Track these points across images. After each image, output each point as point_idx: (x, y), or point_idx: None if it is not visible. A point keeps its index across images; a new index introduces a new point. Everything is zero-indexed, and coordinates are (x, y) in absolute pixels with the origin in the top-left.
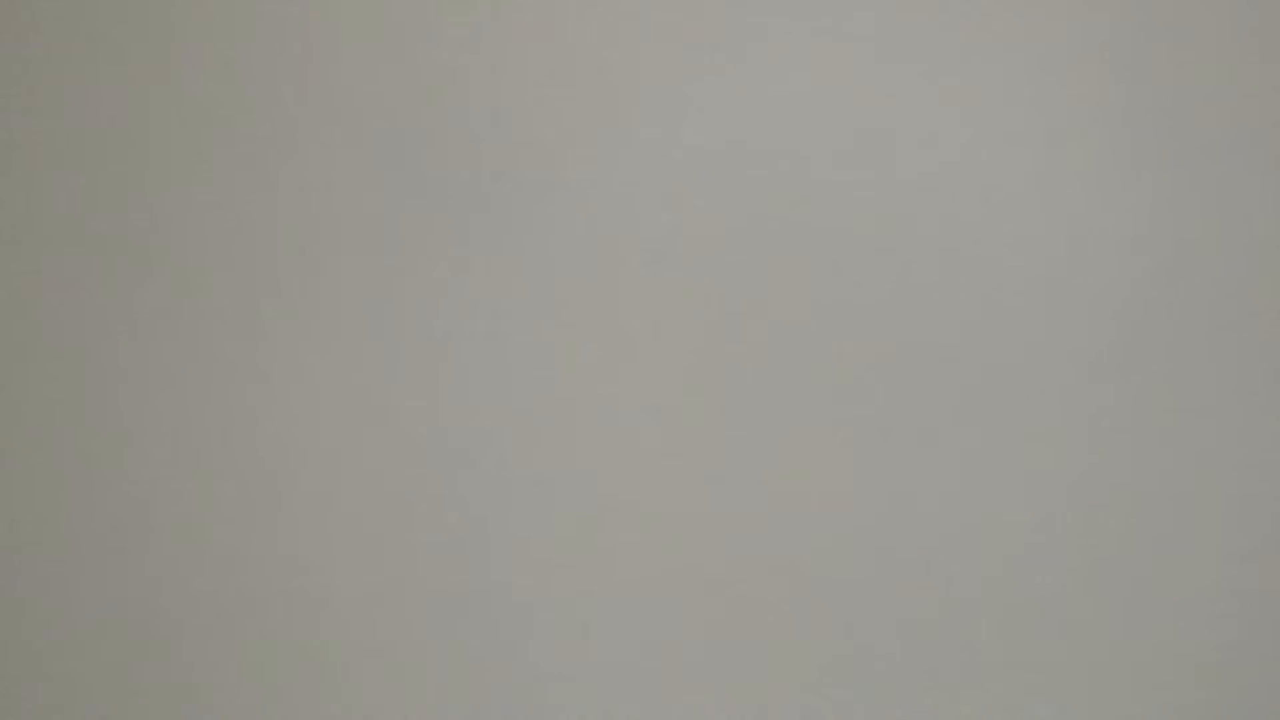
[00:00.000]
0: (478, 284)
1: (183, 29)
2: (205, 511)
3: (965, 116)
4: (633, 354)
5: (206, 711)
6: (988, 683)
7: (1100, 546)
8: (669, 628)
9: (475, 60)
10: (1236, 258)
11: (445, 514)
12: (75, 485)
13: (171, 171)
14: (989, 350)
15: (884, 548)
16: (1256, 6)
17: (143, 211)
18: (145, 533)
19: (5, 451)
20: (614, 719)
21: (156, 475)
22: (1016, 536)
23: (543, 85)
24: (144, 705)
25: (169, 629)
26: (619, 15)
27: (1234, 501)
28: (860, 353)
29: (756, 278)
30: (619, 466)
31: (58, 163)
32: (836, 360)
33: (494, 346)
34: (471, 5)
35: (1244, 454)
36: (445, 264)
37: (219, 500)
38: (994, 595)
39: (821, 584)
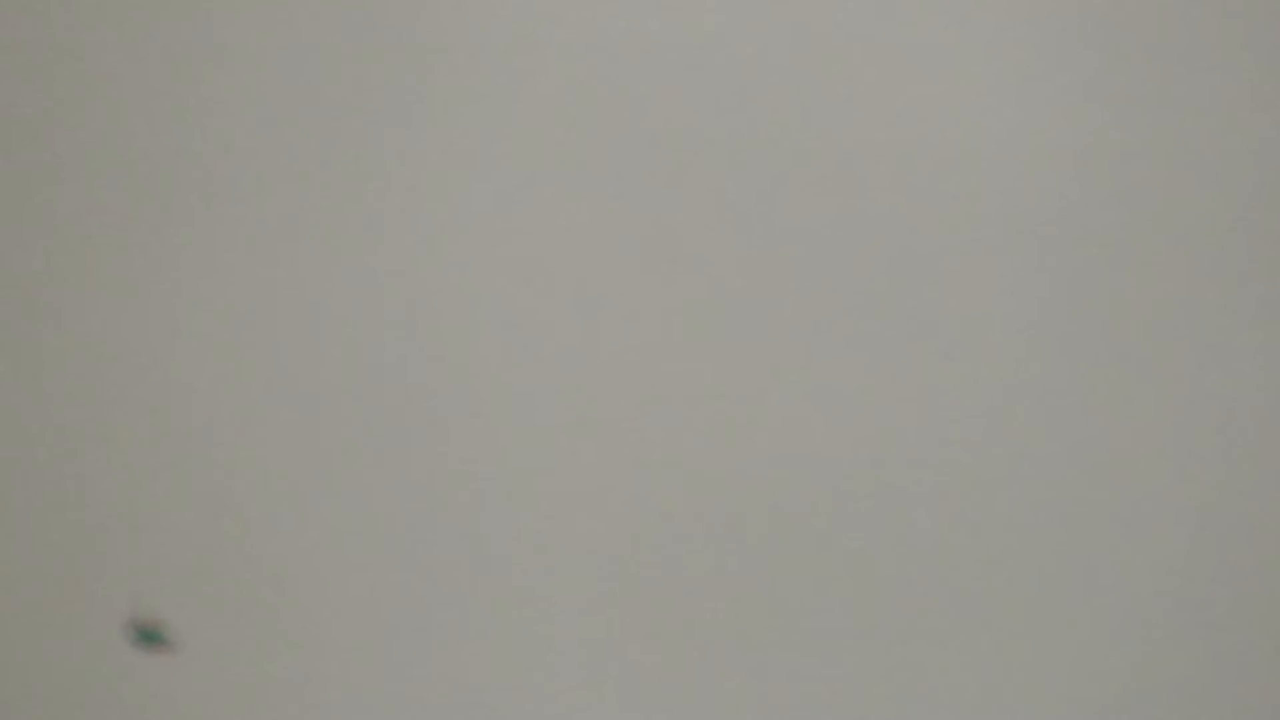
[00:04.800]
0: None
1: None
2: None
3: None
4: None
5: (189, 708)
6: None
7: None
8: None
9: None
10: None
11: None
12: (34, 478)
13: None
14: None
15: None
16: None
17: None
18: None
19: None
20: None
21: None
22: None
23: None
24: (132, 701)
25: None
26: None
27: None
28: (831, 279)
29: (705, 190)
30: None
31: None
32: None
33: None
34: None
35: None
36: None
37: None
38: (961, 544)
39: (816, 535)
